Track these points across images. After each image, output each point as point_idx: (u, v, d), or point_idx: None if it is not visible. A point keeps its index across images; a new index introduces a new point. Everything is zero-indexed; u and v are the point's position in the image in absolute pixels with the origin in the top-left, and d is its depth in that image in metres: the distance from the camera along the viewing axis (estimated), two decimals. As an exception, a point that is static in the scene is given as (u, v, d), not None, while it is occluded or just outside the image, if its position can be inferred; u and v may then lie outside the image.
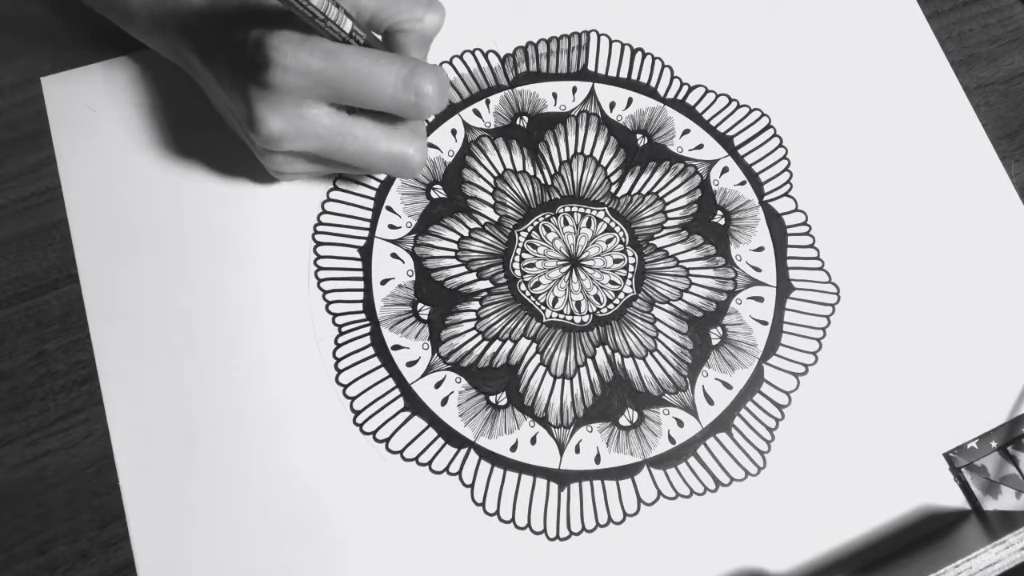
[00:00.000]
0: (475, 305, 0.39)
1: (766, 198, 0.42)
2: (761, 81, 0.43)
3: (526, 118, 0.42)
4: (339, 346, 0.38)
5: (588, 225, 0.41)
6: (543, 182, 0.41)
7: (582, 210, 0.41)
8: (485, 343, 0.39)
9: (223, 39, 0.34)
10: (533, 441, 0.37)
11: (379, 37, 0.36)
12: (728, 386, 0.39)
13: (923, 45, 0.44)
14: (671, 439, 0.38)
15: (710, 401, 0.38)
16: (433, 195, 0.41)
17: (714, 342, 0.39)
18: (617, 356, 0.39)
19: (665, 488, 0.37)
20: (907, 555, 0.36)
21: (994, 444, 0.38)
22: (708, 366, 0.39)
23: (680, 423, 0.38)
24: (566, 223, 0.41)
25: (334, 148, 0.34)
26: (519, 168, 0.41)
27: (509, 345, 0.39)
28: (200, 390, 0.37)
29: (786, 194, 0.42)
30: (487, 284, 0.39)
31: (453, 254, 0.40)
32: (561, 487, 0.37)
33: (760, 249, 0.41)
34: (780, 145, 0.42)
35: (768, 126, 0.43)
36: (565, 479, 0.37)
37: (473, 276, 0.40)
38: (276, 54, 0.30)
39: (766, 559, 0.36)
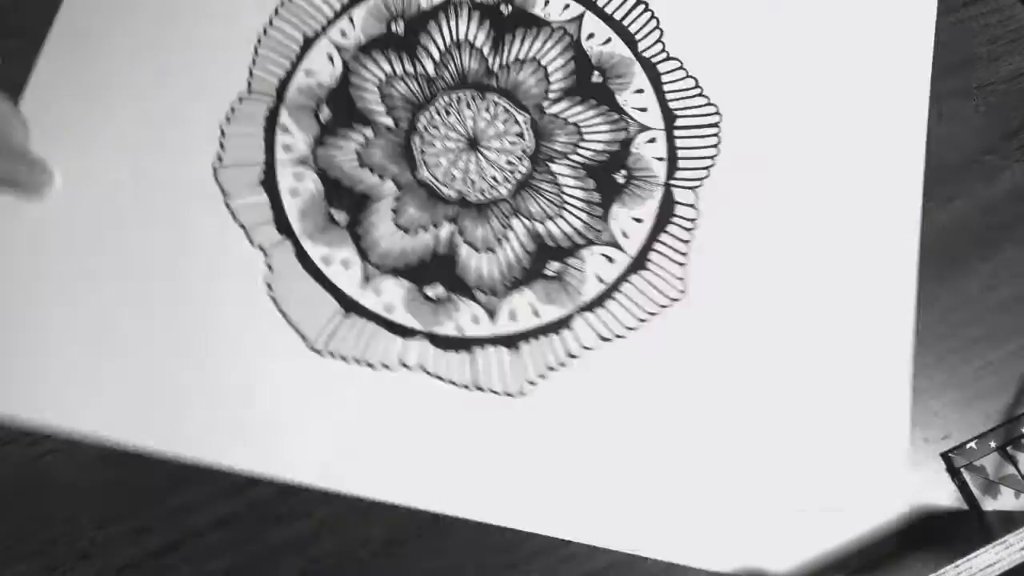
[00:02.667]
0: (389, 203, 0.40)
1: (640, 50, 0.43)
2: None
3: (402, 22, 0.43)
4: (271, 270, 0.39)
5: (482, 108, 0.42)
6: (428, 76, 0.42)
7: (471, 94, 0.42)
8: (409, 238, 0.40)
9: None
10: (475, 320, 0.39)
11: None
12: (639, 220, 0.40)
13: None
14: (600, 280, 0.39)
15: (626, 236, 0.40)
16: (321, 117, 0.41)
17: (620, 182, 0.41)
18: (532, 222, 0.40)
19: (602, 330, 0.39)
20: (907, 555, 0.36)
21: (993, 444, 0.38)
22: (618, 206, 0.41)
23: (608, 260, 0.40)
24: (460, 110, 0.42)
25: None
26: (401, 72, 0.42)
27: (431, 235, 0.40)
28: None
29: (658, 40, 0.43)
30: (395, 182, 0.41)
31: (356, 161, 0.41)
32: (510, 349, 0.38)
33: (640, 91, 0.42)
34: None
35: None
36: (512, 342, 0.38)
37: (377, 178, 0.41)
38: None
39: (766, 559, 0.36)
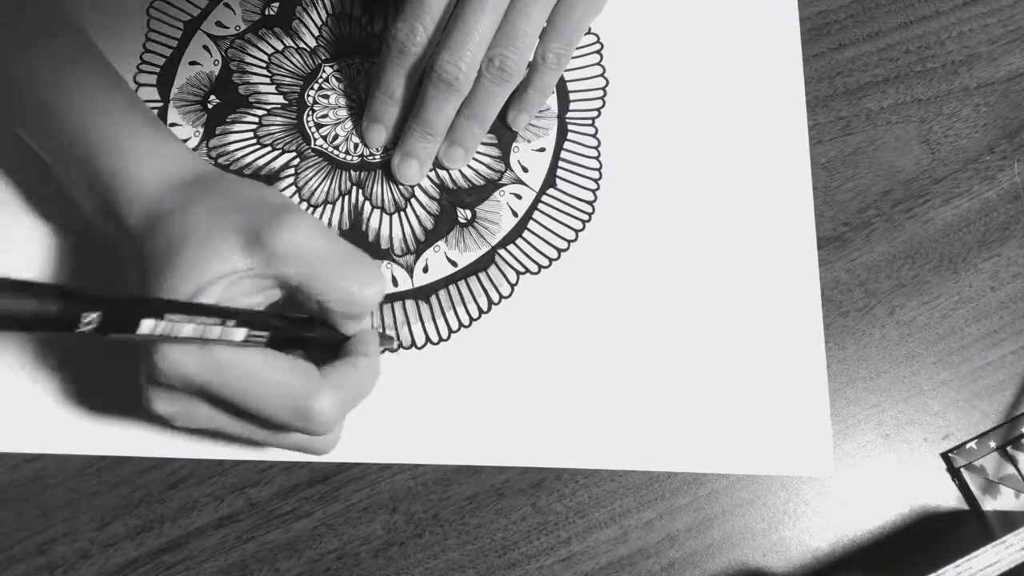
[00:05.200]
0: (290, 178, 0.40)
1: None
2: None
3: (275, 5, 0.43)
4: None
5: (367, 72, 0.42)
6: (309, 49, 0.42)
7: (356, 61, 0.42)
8: (319, 210, 0.40)
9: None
10: (395, 282, 0.39)
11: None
12: (542, 149, 0.41)
13: None
14: (514, 213, 0.40)
15: (525, 169, 0.41)
16: (210, 106, 0.41)
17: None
18: (436, 172, 0.41)
19: (527, 263, 0.40)
20: (907, 555, 0.36)
21: (993, 444, 0.38)
22: (517, 143, 0.41)
23: (517, 196, 0.41)
24: (347, 78, 0.42)
25: (230, 434, 0.31)
26: (282, 47, 0.42)
27: (339, 204, 0.40)
28: None
29: None
30: (293, 157, 0.40)
31: (253, 140, 0.40)
32: (422, 300, 0.39)
33: None
34: None
35: None
36: (425, 293, 0.39)
37: (278, 153, 0.40)
38: (158, 358, 0.28)
39: (766, 559, 0.36)
